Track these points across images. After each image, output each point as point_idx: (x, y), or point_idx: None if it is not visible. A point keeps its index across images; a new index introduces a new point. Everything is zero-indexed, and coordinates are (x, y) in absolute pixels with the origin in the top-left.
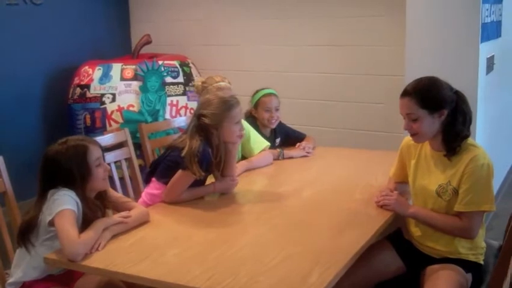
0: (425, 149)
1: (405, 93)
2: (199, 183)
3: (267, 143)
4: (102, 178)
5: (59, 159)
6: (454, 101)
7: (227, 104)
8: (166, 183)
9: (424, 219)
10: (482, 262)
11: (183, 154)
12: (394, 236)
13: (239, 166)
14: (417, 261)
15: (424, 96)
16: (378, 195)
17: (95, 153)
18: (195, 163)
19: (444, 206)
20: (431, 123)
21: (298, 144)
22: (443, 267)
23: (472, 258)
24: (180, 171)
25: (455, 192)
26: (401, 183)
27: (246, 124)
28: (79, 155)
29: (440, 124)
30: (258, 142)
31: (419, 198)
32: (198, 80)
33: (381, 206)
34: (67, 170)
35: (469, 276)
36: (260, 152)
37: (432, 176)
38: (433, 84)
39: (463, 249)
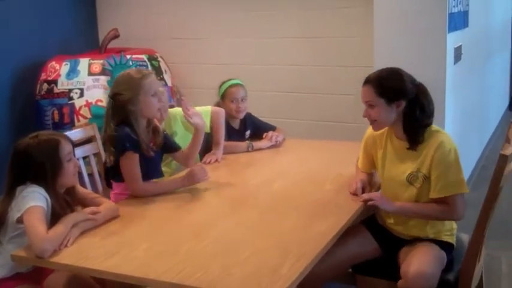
0: (392, 139)
1: (366, 82)
2: (153, 163)
3: (207, 107)
4: (73, 173)
5: (31, 153)
6: (414, 93)
7: (139, 75)
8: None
9: (410, 212)
10: (454, 243)
11: (102, 141)
12: (369, 221)
13: (217, 153)
14: (392, 243)
15: (383, 86)
16: (351, 187)
17: (66, 147)
18: (113, 145)
19: (415, 193)
20: (388, 112)
21: (265, 134)
22: (419, 244)
23: (445, 238)
24: (120, 160)
25: (426, 179)
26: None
27: (173, 109)
28: (51, 149)
29: (400, 114)
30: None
31: (390, 187)
32: None
33: (365, 202)
34: (39, 164)
35: (444, 253)
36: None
37: (401, 165)
38: (393, 75)
39: (436, 234)
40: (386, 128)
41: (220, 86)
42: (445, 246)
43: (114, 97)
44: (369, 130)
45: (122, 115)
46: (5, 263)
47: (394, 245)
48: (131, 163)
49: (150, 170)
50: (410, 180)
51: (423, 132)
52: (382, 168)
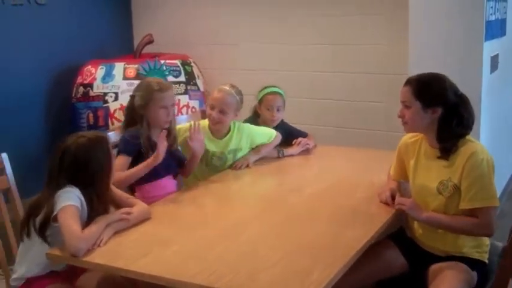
0: (424, 147)
1: (406, 82)
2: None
3: (273, 132)
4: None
5: (89, 153)
6: (454, 102)
7: (156, 86)
8: (141, 183)
9: (439, 223)
10: (486, 260)
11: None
12: (397, 234)
13: (251, 158)
14: (421, 259)
15: (422, 89)
16: (381, 197)
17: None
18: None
19: (443, 203)
20: (422, 117)
21: (294, 140)
22: (448, 266)
23: (476, 256)
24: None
25: (456, 188)
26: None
27: (246, 125)
28: (106, 149)
29: (435, 121)
30: (265, 134)
31: (420, 196)
32: None
33: (396, 208)
34: (97, 163)
35: (474, 274)
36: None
37: (432, 173)
38: (435, 80)
39: (466, 248)
40: (420, 136)
41: (261, 90)
42: (476, 264)
43: (131, 97)
44: (403, 138)
45: (133, 115)
46: (40, 261)
47: (423, 260)
48: (121, 163)
49: (157, 168)
50: (440, 189)
51: (456, 142)
52: (414, 176)
